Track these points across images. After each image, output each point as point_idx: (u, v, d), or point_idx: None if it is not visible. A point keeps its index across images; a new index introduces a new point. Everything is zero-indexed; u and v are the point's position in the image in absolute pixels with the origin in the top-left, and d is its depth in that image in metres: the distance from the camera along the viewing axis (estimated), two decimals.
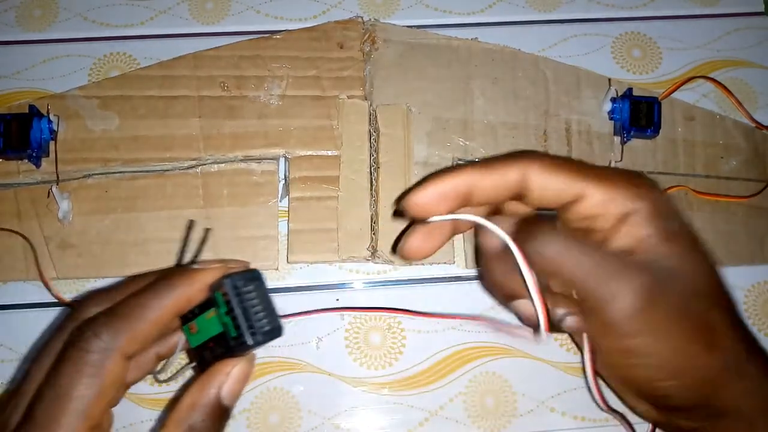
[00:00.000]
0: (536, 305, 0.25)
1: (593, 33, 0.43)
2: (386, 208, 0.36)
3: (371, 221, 0.37)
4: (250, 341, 0.25)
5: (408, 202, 0.27)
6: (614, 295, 0.25)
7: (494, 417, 0.35)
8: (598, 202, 0.26)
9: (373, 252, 0.36)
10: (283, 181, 0.38)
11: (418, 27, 0.41)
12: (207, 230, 0.34)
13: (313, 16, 0.42)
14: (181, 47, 0.40)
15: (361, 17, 0.40)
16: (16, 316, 0.36)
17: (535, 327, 0.26)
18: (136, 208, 0.37)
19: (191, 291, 0.26)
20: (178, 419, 0.25)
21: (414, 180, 0.37)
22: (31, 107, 0.36)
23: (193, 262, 0.32)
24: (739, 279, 0.38)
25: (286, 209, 0.37)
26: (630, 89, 0.39)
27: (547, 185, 0.26)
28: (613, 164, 0.38)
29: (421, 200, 0.27)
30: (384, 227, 0.36)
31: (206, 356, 0.27)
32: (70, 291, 0.37)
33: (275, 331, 0.26)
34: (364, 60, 0.39)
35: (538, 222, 0.27)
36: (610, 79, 0.40)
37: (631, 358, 0.26)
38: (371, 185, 0.37)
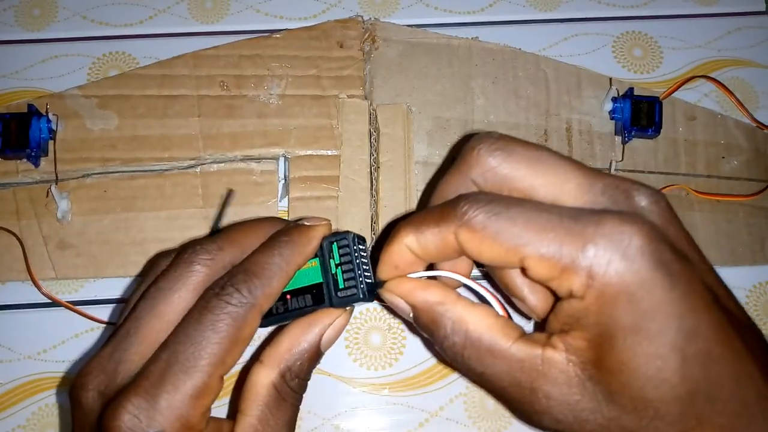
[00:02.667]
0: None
1: (594, 32, 0.43)
2: (386, 208, 0.36)
3: (371, 221, 0.36)
4: (360, 294, 0.26)
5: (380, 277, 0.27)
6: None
7: (494, 418, 0.35)
8: (540, 275, 0.22)
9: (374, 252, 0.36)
10: (283, 181, 0.38)
11: (418, 26, 0.41)
12: (230, 191, 0.35)
13: (313, 15, 0.42)
14: (180, 46, 0.40)
15: (361, 16, 0.40)
16: (16, 316, 0.36)
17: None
18: (135, 207, 0.37)
19: (310, 248, 0.27)
20: (277, 358, 0.25)
21: (414, 180, 0.37)
22: (30, 107, 0.36)
23: (216, 224, 0.33)
24: (740, 280, 0.38)
25: (286, 209, 0.37)
26: (631, 89, 0.38)
27: (481, 254, 0.23)
28: (614, 164, 0.38)
29: (386, 276, 0.26)
30: (384, 227, 0.36)
31: (274, 309, 0.27)
32: (68, 291, 0.36)
33: (371, 295, 0.27)
34: (364, 59, 0.39)
35: None
36: (611, 79, 0.40)
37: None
38: (371, 185, 0.37)
